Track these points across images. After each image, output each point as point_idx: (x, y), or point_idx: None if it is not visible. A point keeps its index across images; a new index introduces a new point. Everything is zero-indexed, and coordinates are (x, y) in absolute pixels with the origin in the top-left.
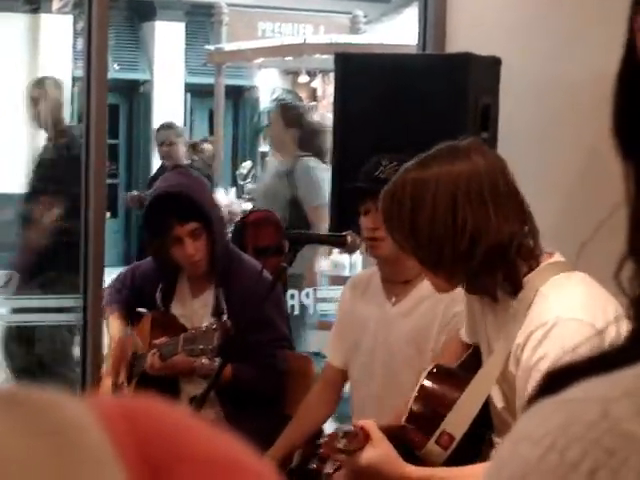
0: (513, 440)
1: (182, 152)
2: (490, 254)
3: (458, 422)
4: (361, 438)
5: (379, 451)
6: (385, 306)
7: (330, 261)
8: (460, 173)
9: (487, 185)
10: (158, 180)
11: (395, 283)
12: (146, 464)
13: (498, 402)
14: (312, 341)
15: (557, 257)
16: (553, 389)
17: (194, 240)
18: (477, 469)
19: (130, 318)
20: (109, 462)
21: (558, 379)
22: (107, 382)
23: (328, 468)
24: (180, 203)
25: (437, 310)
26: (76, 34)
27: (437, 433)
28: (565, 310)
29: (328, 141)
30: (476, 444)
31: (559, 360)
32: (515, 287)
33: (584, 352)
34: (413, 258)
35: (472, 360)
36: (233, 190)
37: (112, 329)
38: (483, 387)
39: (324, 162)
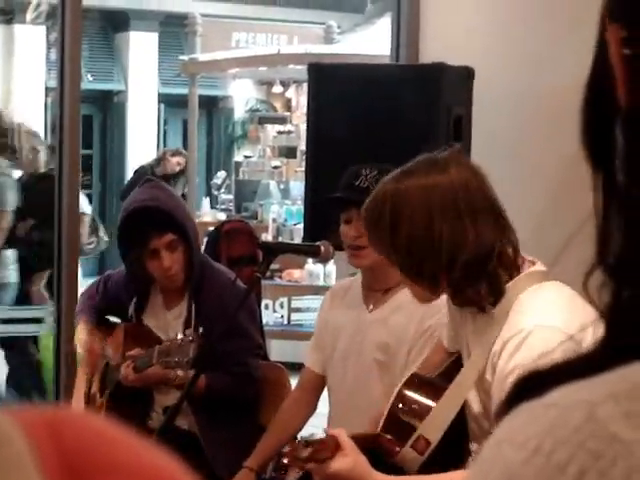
0: (495, 444)
1: (42, 160)
2: (470, 266)
3: (434, 427)
4: (331, 447)
5: (349, 460)
6: (362, 313)
7: (305, 271)
8: (435, 187)
9: (462, 198)
10: (131, 194)
11: (375, 291)
12: (68, 475)
13: (475, 407)
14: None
15: (538, 266)
16: (527, 393)
17: (171, 252)
18: (452, 476)
19: (101, 327)
20: (30, 473)
21: (531, 384)
22: (79, 393)
23: (291, 477)
24: (156, 216)
25: (412, 320)
26: (49, 45)
27: (413, 437)
28: (541, 318)
29: (22, 140)
30: (452, 452)
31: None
32: (497, 296)
33: (557, 358)
34: (396, 269)
35: (453, 368)
36: (207, 200)
37: (81, 336)
38: (460, 393)
39: (14, 162)
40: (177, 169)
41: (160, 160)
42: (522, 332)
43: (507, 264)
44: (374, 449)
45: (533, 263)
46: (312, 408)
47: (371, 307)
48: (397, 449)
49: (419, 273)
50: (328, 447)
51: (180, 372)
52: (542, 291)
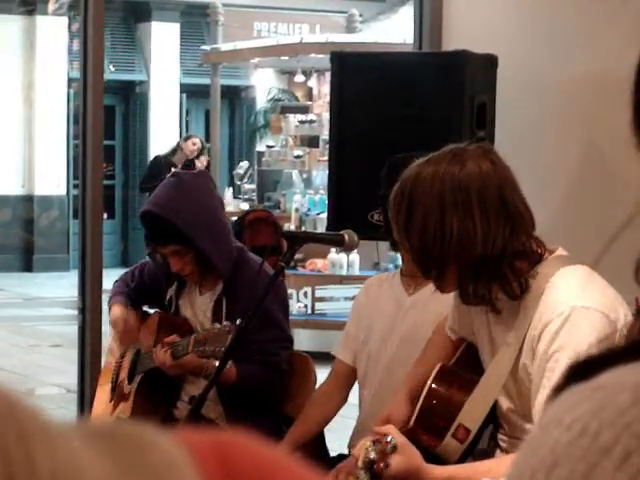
0: (543, 426)
1: None
2: (477, 266)
3: (473, 415)
4: (385, 446)
5: (406, 458)
6: (402, 297)
7: (328, 260)
8: (450, 179)
9: (476, 194)
10: (156, 189)
11: (414, 276)
12: None
13: (504, 405)
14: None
15: (561, 251)
16: (580, 377)
17: (179, 258)
18: (493, 464)
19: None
20: None
21: (582, 369)
22: (106, 378)
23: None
24: (159, 225)
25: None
26: (71, 35)
27: (453, 427)
28: (578, 299)
29: None
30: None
31: (576, 350)
32: (511, 297)
33: (597, 338)
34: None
35: (467, 357)
36: (230, 190)
37: (114, 314)
38: (497, 380)
39: None
40: (195, 150)
41: (175, 150)
42: (562, 315)
43: (529, 258)
44: (414, 442)
45: (553, 251)
46: (343, 400)
47: (411, 290)
48: (434, 444)
49: (427, 263)
50: (382, 446)
51: (216, 362)
52: (572, 272)
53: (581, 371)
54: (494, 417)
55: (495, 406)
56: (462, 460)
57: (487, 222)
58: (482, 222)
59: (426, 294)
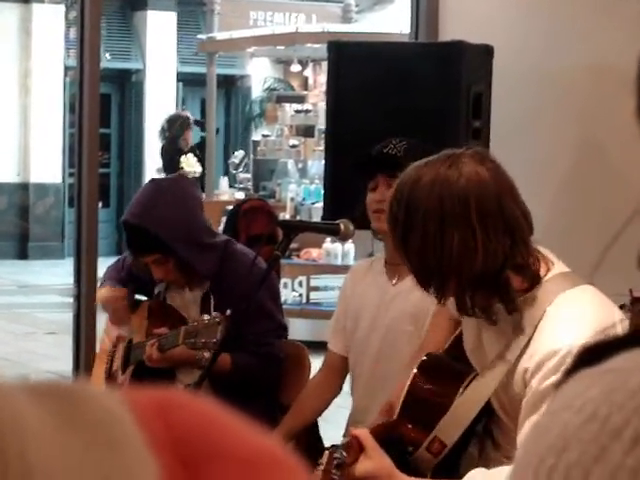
0: (552, 411)
1: None
2: (477, 280)
3: (450, 430)
4: (355, 448)
5: (373, 462)
6: (386, 286)
7: (323, 250)
8: (449, 190)
9: (475, 204)
10: (135, 196)
11: (397, 265)
12: (179, 461)
13: (495, 404)
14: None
15: (558, 267)
16: (589, 362)
17: (161, 266)
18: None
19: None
20: (141, 453)
21: (593, 353)
22: (100, 369)
23: None
24: (138, 234)
25: None
26: (68, 24)
27: (429, 439)
28: (577, 336)
29: None
30: (459, 452)
31: None
32: (510, 309)
33: None
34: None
35: (459, 345)
36: (225, 179)
37: (99, 295)
38: (479, 398)
39: None
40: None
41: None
42: (558, 353)
43: (527, 272)
44: (396, 438)
45: (551, 267)
46: (336, 390)
47: (395, 280)
48: (418, 437)
49: (426, 276)
50: (352, 449)
51: (207, 354)
52: (572, 302)
53: (590, 356)
54: (473, 433)
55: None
56: (437, 474)
57: (487, 232)
58: (482, 232)
59: (408, 284)
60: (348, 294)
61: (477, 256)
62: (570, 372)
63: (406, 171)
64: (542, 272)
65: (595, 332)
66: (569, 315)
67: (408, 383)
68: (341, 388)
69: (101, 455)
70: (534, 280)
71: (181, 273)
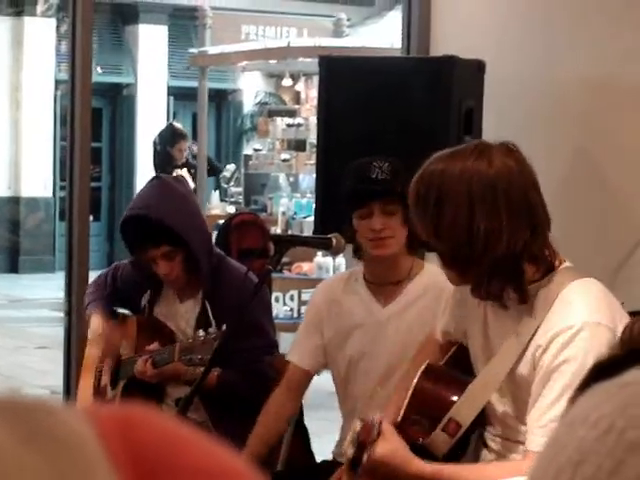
0: (568, 424)
1: None
2: (498, 265)
3: (467, 411)
4: (373, 432)
5: (390, 445)
6: (374, 308)
7: (314, 264)
8: (478, 177)
9: (502, 193)
10: (137, 193)
11: (384, 285)
12: (138, 474)
13: (498, 406)
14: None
15: (567, 263)
16: (604, 376)
17: (168, 260)
18: (485, 468)
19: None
20: (105, 474)
21: (608, 366)
22: (87, 382)
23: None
24: (150, 227)
25: (434, 307)
26: (59, 37)
27: (444, 420)
28: (590, 315)
29: None
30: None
31: (583, 364)
32: (521, 295)
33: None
34: (433, 249)
35: (458, 358)
36: (216, 193)
37: (96, 326)
38: (494, 379)
39: None
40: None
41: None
42: (572, 328)
43: (542, 262)
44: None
45: (562, 262)
46: (297, 408)
47: (383, 301)
48: (422, 437)
49: (454, 258)
50: (374, 432)
51: (199, 369)
52: (584, 287)
53: (605, 370)
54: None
55: (486, 407)
56: (451, 456)
57: (512, 220)
58: (508, 221)
59: (401, 303)
60: (322, 309)
61: (501, 242)
62: (584, 386)
63: (431, 160)
64: (556, 264)
65: (607, 313)
66: (582, 296)
67: (412, 385)
68: (300, 404)
69: (61, 470)
70: (547, 271)
71: (184, 271)
